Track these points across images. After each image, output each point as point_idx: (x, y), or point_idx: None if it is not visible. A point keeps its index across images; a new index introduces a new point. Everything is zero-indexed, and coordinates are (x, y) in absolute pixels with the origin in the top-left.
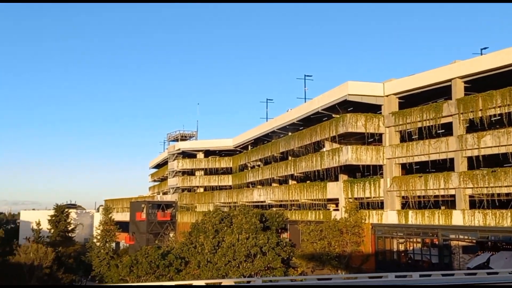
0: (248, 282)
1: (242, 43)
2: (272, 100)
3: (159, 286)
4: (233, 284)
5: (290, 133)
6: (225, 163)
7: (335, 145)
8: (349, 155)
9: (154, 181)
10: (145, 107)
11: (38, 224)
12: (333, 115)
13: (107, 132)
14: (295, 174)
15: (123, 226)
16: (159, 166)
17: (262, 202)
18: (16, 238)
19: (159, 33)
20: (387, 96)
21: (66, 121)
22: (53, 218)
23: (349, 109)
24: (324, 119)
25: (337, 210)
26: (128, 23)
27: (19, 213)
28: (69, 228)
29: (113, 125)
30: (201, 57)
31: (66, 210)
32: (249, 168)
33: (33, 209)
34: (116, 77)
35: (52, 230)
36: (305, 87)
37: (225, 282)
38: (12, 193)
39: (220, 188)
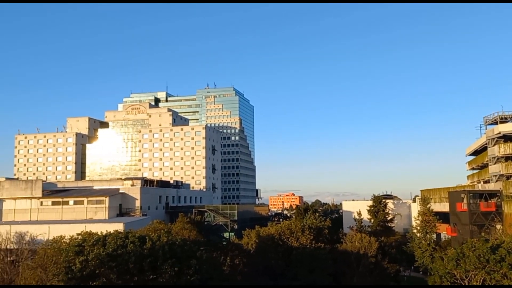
0: None
1: None
2: None
3: None
4: None
5: None
6: None
7: None
8: None
9: (472, 169)
10: (458, 92)
11: (359, 214)
12: None
13: (420, 123)
14: None
15: (442, 217)
16: (476, 152)
17: None
18: (341, 227)
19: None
20: None
21: (379, 118)
22: (372, 208)
23: None
24: None
25: None
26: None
27: (341, 204)
28: (388, 218)
29: (425, 114)
30: None
31: (383, 200)
32: None
33: (353, 200)
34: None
35: (372, 220)
36: None
37: None
38: (334, 185)
39: None
